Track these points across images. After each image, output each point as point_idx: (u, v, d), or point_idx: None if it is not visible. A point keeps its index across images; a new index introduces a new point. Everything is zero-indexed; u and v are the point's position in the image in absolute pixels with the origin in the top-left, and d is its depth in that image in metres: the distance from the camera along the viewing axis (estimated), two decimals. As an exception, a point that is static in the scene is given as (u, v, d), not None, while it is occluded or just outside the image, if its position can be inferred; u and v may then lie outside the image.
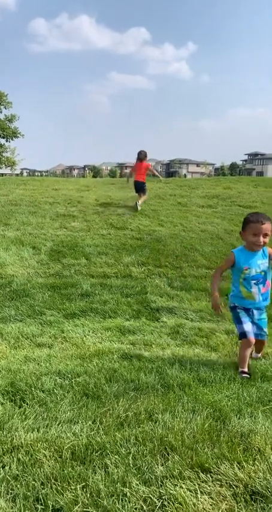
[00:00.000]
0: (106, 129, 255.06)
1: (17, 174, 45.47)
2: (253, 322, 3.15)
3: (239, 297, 3.18)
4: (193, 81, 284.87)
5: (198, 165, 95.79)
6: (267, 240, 3.03)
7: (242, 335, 3.10)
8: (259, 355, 3.41)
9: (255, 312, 3.16)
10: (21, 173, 68.45)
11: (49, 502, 1.59)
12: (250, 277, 3.08)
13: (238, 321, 3.16)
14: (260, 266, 3.07)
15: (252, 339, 3.09)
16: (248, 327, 3.10)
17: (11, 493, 1.65)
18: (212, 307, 3.20)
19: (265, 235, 3.01)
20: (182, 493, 1.63)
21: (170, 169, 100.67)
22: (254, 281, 3.08)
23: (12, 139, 42.62)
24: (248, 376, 2.97)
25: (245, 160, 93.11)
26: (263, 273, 3.08)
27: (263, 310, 3.21)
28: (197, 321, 4.35)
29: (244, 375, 2.97)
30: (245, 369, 3.05)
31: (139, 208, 8.71)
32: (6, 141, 42.81)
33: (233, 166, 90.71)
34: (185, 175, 74.38)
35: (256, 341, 3.21)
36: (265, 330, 3.23)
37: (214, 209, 9.36)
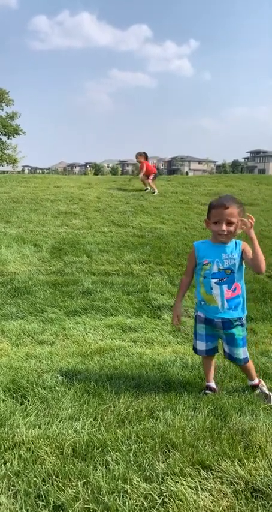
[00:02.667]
0: (108, 127, 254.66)
1: (18, 172, 45.49)
2: (222, 339, 2.56)
3: (200, 301, 2.54)
4: (195, 78, 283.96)
5: (199, 162, 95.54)
6: (233, 229, 2.37)
7: (194, 351, 2.68)
8: (255, 382, 2.62)
9: (220, 324, 2.46)
10: (23, 171, 68.45)
11: (50, 498, 1.59)
12: (210, 274, 2.42)
13: (194, 335, 2.65)
14: (224, 262, 2.40)
15: (206, 357, 2.63)
16: (201, 345, 2.57)
17: (13, 490, 1.65)
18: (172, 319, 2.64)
19: (230, 223, 2.35)
20: (183, 490, 1.63)
21: (172, 167, 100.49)
22: (215, 280, 2.41)
23: (13, 136, 42.63)
24: (211, 392, 2.56)
25: (247, 158, 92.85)
26: (229, 272, 2.41)
27: (234, 323, 2.46)
28: (198, 318, 4.35)
29: (206, 391, 2.57)
30: (209, 383, 2.62)
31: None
32: (8, 139, 42.85)
33: (235, 164, 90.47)
34: (187, 173, 74.26)
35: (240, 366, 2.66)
36: (239, 351, 2.50)
37: (215, 207, 9.33)
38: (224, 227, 2.36)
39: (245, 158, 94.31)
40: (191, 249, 2.58)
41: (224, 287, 2.42)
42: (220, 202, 2.40)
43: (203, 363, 2.70)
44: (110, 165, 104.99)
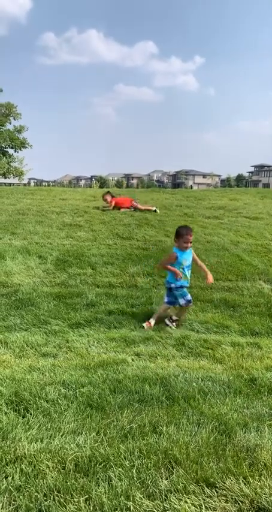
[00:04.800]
0: (113, 140, 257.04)
1: (24, 184, 45.94)
2: None
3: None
4: (199, 93, 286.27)
5: (204, 176, 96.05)
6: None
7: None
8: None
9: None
10: (29, 183, 69.14)
11: (51, 514, 1.57)
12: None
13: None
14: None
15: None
16: None
17: (14, 504, 1.63)
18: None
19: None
20: (186, 507, 1.60)
21: (176, 181, 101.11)
22: None
23: (20, 149, 43.29)
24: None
25: (252, 172, 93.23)
26: None
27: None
28: (203, 332, 4.32)
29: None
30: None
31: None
32: (15, 151, 43.49)
33: (239, 178, 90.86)
34: (191, 187, 74.62)
35: None
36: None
37: (220, 220, 9.35)
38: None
39: (249, 172, 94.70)
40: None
41: None
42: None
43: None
44: (115, 178, 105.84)
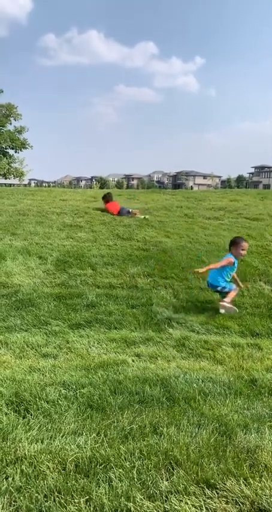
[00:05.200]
0: (113, 141, 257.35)
1: (25, 185, 45.98)
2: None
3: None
4: (200, 93, 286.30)
5: (204, 177, 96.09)
6: None
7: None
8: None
9: None
10: (29, 184, 69.18)
11: (52, 515, 1.57)
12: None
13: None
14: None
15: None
16: None
17: (14, 505, 1.63)
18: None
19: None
20: (187, 509, 1.60)
21: (177, 181, 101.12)
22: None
23: (21, 150, 43.38)
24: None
25: (252, 173, 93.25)
26: None
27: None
28: (203, 333, 4.31)
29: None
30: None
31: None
32: (15, 152, 43.57)
33: (240, 179, 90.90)
34: (192, 187, 74.63)
35: None
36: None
37: (220, 221, 9.36)
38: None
39: (250, 173, 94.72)
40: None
41: None
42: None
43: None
44: (115, 179, 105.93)
